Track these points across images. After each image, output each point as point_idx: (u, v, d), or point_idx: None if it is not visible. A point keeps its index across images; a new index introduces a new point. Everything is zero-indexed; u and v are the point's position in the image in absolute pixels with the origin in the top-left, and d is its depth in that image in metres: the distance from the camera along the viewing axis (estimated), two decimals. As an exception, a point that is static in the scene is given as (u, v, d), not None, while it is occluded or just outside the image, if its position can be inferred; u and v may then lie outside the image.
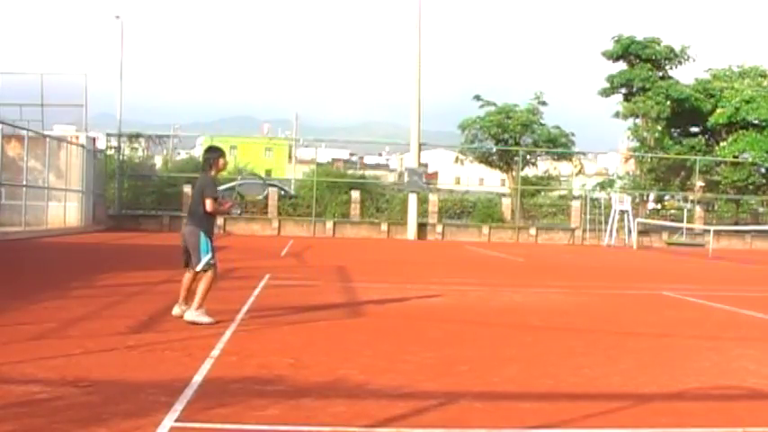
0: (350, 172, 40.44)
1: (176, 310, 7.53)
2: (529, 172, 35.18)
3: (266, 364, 5.57)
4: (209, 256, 7.31)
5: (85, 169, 26.23)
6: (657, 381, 5.53)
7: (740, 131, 33.70)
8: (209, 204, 7.28)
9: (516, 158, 33.24)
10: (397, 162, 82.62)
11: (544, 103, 34.65)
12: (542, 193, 36.10)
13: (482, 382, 5.32)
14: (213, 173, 7.60)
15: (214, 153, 7.69)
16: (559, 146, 33.83)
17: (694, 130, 36.35)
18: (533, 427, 4.24)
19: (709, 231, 27.57)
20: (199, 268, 7.32)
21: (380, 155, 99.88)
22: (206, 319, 7.20)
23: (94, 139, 28.59)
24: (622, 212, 30.29)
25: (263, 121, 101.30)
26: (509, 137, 33.64)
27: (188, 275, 7.52)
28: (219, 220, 29.54)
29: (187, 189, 29.93)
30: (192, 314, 7.22)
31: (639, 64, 34.60)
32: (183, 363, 5.52)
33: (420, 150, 31.25)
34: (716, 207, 34.93)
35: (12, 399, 4.40)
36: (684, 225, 31.27)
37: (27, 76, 27.38)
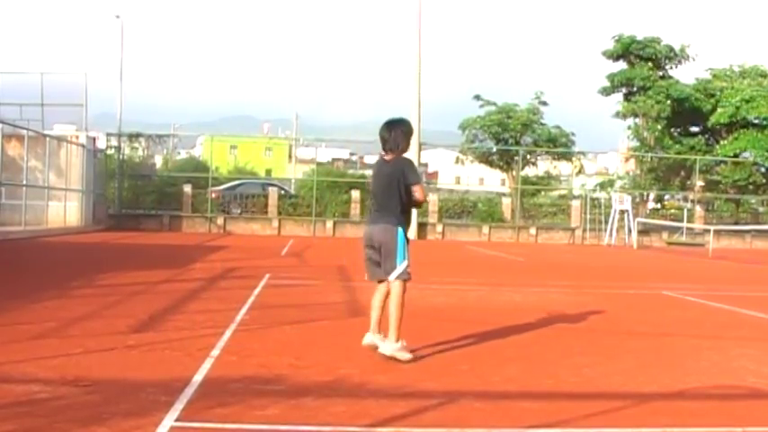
0: (350, 171, 40.49)
1: (369, 339, 6.01)
2: (529, 171, 35.21)
3: (266, 364, 5.57)
4: (407, 262, 5.80)
5: (85, 169, 26.23)
6: (657, 380, 5.53)
7: (740, 130, 33.72)
8: (418, 191, 5.77)
9: (516, 158, 33.25)
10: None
11: (544, 103, 34.67)
12: (542, 193, 36.11)
13: (482, 382, 5.32)
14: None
15: (407, 126, 6.02)
16: (559, 146, 33.84)
17: (694, 129, 36.37)
18: (533, 426, 4.24)
19: (709, 231, 27.57)
20: (393, 277, 5.78)
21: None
22: (406, 356, 5.74)
23: (94, 139, 28.60)
24: (622, 212, 30.30)
25: (263, 121, 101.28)
26: (509, 136, 33.66)
27: (381, 291, 5.98)
28: (220, 220, 29.60)
29: (187, 189, 30.04)
30: (391, 347, 5.77)
31: (640, 63, 34.61)
32: (184, 362, 5.52)
33: (420, 150, 31.26)
34: (716, 207, 34.94)
35: (12, 398, 4.40)
36: (684, 225, 31.26)
37: (27, 75, 27.35)
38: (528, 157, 33.75)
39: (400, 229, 5.78)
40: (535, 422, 4.31)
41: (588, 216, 31.62)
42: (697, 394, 5.24)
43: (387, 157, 5.95)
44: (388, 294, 5.90)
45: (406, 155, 5.97)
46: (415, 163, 25.95)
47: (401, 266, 5.78)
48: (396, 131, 5.89)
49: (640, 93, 34.32)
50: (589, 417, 4.47)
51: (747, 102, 33.20)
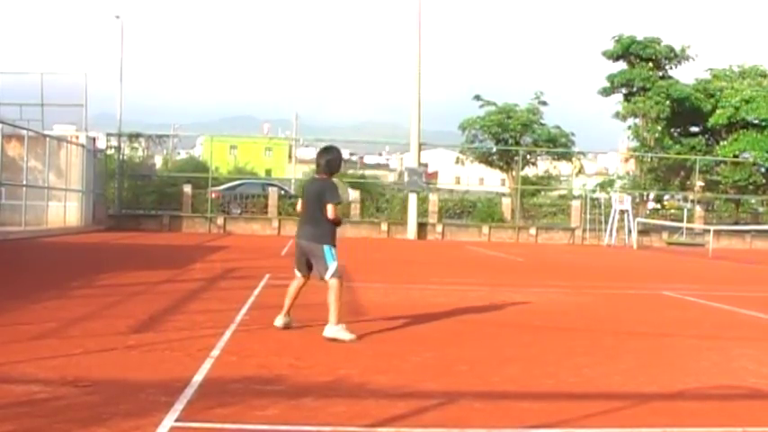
0: (350, 172, 40.47)
1: (279, 321, 7.08)
2: (529, 172, 35.18)
3: (266, 364, 5.58)
4: (336, 263, 6.82)
5: (85, 169, 26.22)
6: (657, 380, 5.53)
7: (740, 131, 33.72)
8: (330, 210, 6.77)
9: (516, 158, 33.25)
10: (397, 162, 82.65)
11: (544, 103, 34.67)
12: (542, 193, 36.11)
13: (482, 382, 5.33)
14: (334, 177, 7.05)
15: (336, 154, 7.08)
16: (559, 146, 33.84)
17: (694, 129, 36.37)
18: (533, 426, 4.24)
19: (709, 231, 27.57)
20: (327, 276, 6.80)
21: (380, 155, 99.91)
22: (348, 336, 6.63)
23: (94, 139, 28.58)
24: (622, 212, 30.29)
25: (263, 121, 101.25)
26: (509, 137, 33.66)
27: (297, 283, 7.12)
28: (220, 220, 29.61)
29: (187, 189, 30.04)
30: (334, 329, 6.67)
31: (640, 63, 34.60)
32: (183, 363, 5.52)
33: (420, 150, 31.25)
34: (716, 207, 34.94)
35: (12, 399, 4.40)
36: (684, 225, 31.27)
37: (27, 75, 27.35)
38: (528, 157, 33.74)
39: (325, 246, 6.81)
40: (535, 422, 4.31)
41: (588, 216, 31.62)
42: (697, 394, 5.24)
43: (317, 177, 7.09)
44: (301, 286, 7.11)
45: (334, 177, 7.06)
46: (415, 164, 25.97)
47: (332, 267, 6.78)
48: (328, 158, 6.98)
49: (640, 93, 34.30)
50: (589, 417, 4.47)
51: (747, 102, 33.20)
